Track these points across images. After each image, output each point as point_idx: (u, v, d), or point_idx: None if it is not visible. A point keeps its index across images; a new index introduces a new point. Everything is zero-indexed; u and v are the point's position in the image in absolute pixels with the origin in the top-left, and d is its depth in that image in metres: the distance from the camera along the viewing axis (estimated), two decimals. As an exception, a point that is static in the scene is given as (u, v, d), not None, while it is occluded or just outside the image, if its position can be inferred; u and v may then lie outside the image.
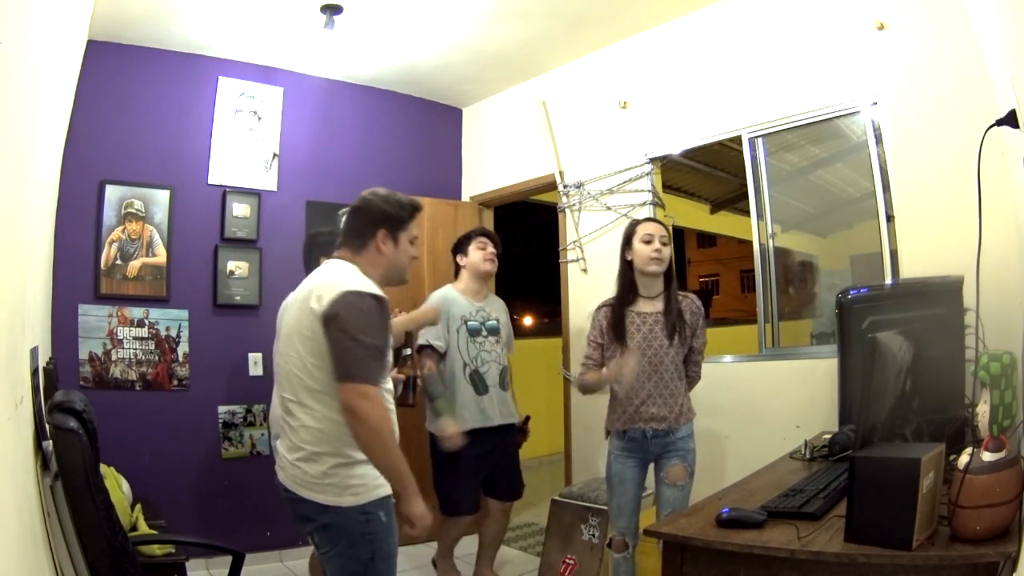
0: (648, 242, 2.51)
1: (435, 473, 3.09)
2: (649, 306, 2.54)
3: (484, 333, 3.12)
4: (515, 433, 3.22)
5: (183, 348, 3.65)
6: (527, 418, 3.28)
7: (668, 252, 2.54)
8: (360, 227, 1.89)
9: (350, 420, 1.70)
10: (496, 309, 3.23)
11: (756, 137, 3.22)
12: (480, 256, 3.15)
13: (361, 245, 1.88)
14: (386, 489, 1.79)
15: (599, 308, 2.64)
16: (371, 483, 1.76)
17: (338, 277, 1.80)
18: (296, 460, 1.77)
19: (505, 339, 3.22)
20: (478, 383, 3.04)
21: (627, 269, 2.57)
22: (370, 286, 1.78)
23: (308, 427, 1.76)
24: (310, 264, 2.66)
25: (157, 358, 3.58)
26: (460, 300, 3.11)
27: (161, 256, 3.63)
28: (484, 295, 3.22)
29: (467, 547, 3.36)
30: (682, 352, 2.52)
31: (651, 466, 2.57)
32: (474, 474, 3.06)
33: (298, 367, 1.78)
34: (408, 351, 2.05)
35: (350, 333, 1.68)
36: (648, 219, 2.69)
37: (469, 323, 3.09)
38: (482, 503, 3.14)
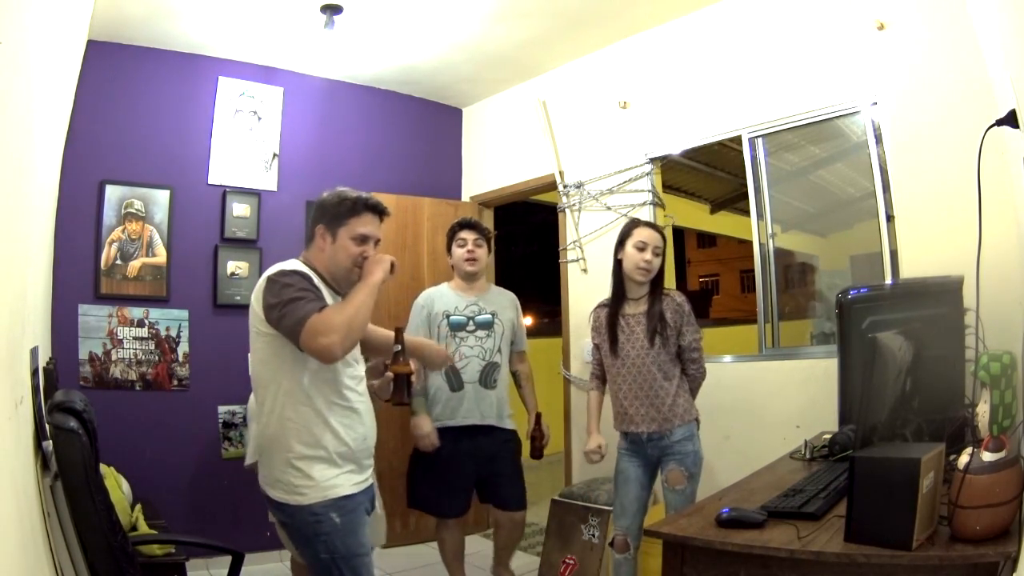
0: (641, 249, 2.51)
1: (409, 469, 3.02)
2: (633, 307, 2.56)
3: (471, 327, 2.96)
4: (509, 437, 3.02)
5: (183, 348, 3.65)
6: (537, 416, 3.08)
7: (658, 263, 2.52)
8: (310, 224, 1.94)
9: (329, 355, 1.68)
10: (496, 304, 3.05)
11: (756, 137, 3.22)
12: (459, 255, 3.00)
13: (309, 240, 1.93)
14: (339, 491, 1.78)
15: (595, 308, 2.70)
16: (321, 484, 1.76)
17: (269, 270, 1.83)
18: (261, 456, 1.85)
19: (502, 333, 3.01)
20: (452, 379, 2.91)
21: (617, 269, 2.58)
22: (291, 264, 1.83)
23: (261, 423, 1.82)
24: None
25: (157, 358, 3.58)
26: (447, 295, 3.00)
27: (161, 256, 3.63)
28: (482, 289, 3.07)
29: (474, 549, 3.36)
30: (667, 353, 2.50)
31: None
32: (450, 473, 2.91)
33: (253, 366, 1.86)
34: (399, 347, 2.03)
35: (279, 304, 1.70)
36: (648, 224, 2.64)
37: (452, 317, 2.95)
38: (490, 513, 3.06)
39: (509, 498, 3.00)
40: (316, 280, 1.82)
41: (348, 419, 1.82)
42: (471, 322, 2.97)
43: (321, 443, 1.77)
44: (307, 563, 1.84)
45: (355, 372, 1.89)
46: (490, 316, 3.00)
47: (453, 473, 2.92)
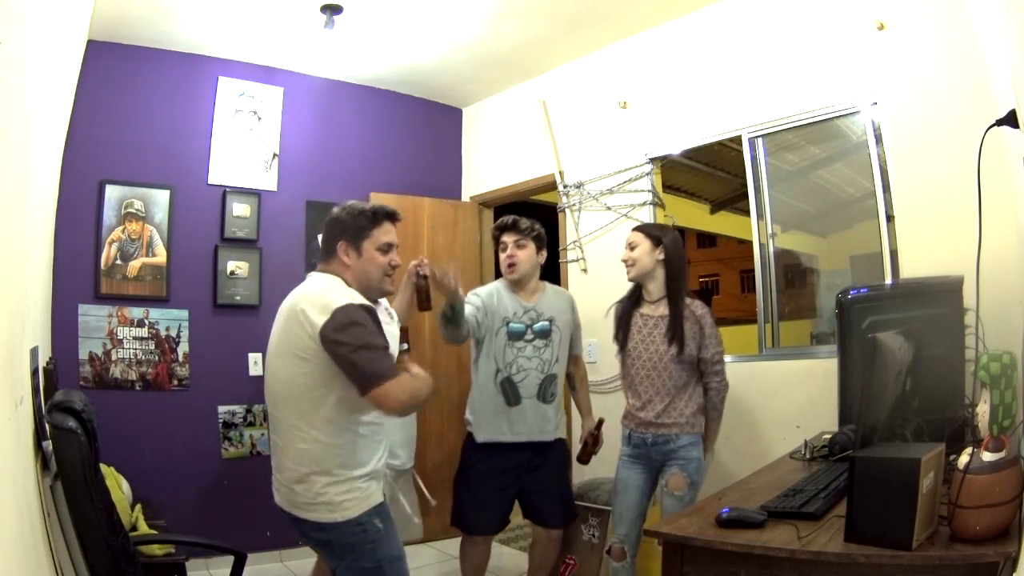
0: (625, 249, 2.58)
1: (455, 480, 2.84)
2: (651, 309, 2.56)
3: (529, 336, 2.74)
4: (559, 447, 2.84)
5: (183, 348, 3.65)
6: (600, 422, 2.85)
7: (638, 253, 2.54)
8: (327, 240, 1.91)
9: (397, 413, 1.78)
10: (554, 308, 2.82)
11: (756, 137, 3.22)
12: (501, 261, 2.81)
13: (329, 259, 1.89)
14: (375, 498, 1.81)
15: (615, 303, 2.70)
16: (362, 495, 1.77)
17: (322, 293, 1.78)
18: (287, 481, 1.79)
19: (560, 341, 2.79)
20: (509, 393, 2.70)
21: None
22: (355, 296, 1.78)
23: (298, 448, 1.76)
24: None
25: (157, 358, 3.58)
26: (506, 297, 2.77)
27: (161, 256, 3.63)
28: (537, 292, 2.83)
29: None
30: (680, 361, 2.47)
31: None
32: (493, 490, 2.73)
33: (289, 388, 1.78)
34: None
35: (354, 345, 1.68)
36: (637, 226, 2.69)
37: (511, 324, 2.73)
38: (532, 528, 2.93)
39: (550, 515, 2.83)
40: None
41: (378, 436, 1.86)
42: (529, 330, 2.75)
43: (362, 463, 1.79)
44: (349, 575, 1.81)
45: None
46: (548, 323, 2.78)
47: (495, 489, 2.74)
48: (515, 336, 2.73)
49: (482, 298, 2.77)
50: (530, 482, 2.77)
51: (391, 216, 1.92)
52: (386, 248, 1.89)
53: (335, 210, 1.92)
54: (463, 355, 3.86)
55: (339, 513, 1.75)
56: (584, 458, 2.86)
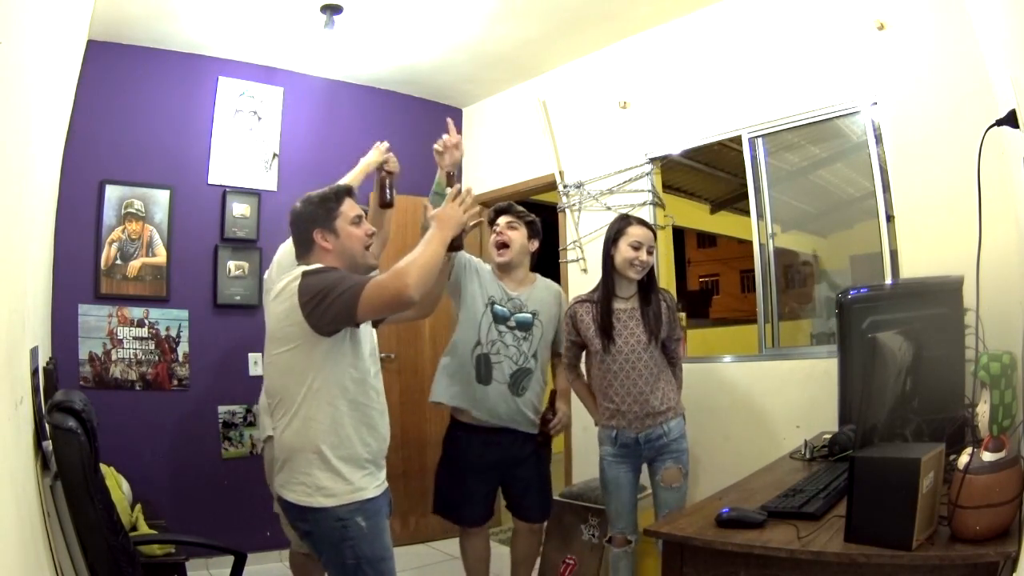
0: (636, 248, 2.49)
1: (436, 472, 2.83)
2: (623, 304, 2.55)
3: (512, 324, 2.69)
4: (536, 443, 2.78)
5: (183, 348, 3.65)
6: (551, 395, 2.83)
7: (652, 260, 2.54)
8: (300, 236, 1.92)
9: (405, 295, 1.66)
10: (540, 301, 2.76)
11: (756, 137, 3.22)
12: (492, 241, 2.77)
13: (308, 251, 1.90)
14: (365, 493, 1.77)
15: (575, 303, 2.64)
16: (347, 486, 1.75)
17: (289, 278, 1.81)
18: (280, 459, 1.81)
19: (541, 336, 2.74)
20: (481, 370, 2.64)
21: (609, 264, 2.56)
22: (310, 267, 1.82)
23: (287, 427, 1.77)
24: None
25: (157, 358, 3.58)
26: (491, 280, 2.74)
27: (161, 256, 3.63)
28: (524, 282, 2.79)
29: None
30: (657, 348, 2.52)
31: (645, 467, 2.57)
32: (474, 479, 2.70)
33: (273, 369, 1.81)
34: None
35: (321, 291, 1.68)
36: (640, 222, 2.60)
37: (496, 307, 2.69)
38: (513, 521, 2.91)
39: (530, 509, 2.81)
40: None
41: (372, 420, 1.83)
42: (512, 317, 2.71)
43: (348, 443, 1.76)
44: (332, 570, 1.81)
45: (378, 374, 1.91)
46: (530, 316, 2.73)
47: (477, 478, 2.72)
48: (498, 319, 2.69)
49: (476, 263, 2.77)
50: (514, 477, 2.75)
51: (349, 191, 1.96)
52: (357, 220, 1.92)
53: (295, 206, 1.94)
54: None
55: (317, 498, 1.72)
56: (539, 436, 2.77)
